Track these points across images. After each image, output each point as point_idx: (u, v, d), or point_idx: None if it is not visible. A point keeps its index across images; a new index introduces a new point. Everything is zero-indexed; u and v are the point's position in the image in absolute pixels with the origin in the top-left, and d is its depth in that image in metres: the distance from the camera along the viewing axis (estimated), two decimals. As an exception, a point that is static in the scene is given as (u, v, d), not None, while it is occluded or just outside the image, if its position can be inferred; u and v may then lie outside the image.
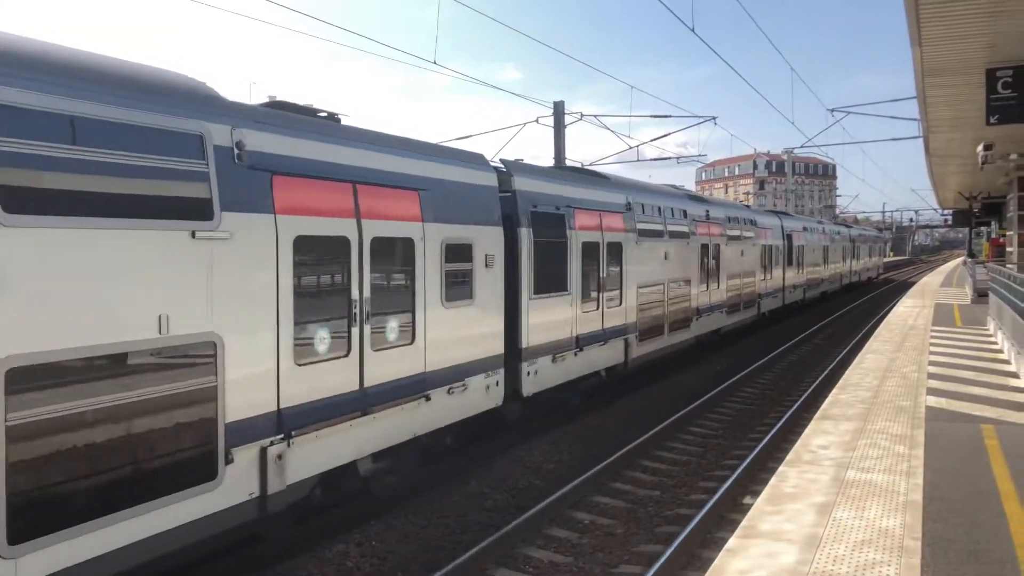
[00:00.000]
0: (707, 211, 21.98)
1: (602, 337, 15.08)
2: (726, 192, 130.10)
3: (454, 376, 10.42)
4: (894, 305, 29.43)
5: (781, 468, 7.86)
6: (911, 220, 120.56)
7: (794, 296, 33.71)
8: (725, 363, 21.38)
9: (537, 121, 29.75)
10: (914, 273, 75.93)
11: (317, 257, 8.20)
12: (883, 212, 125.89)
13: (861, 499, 6.81)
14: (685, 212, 20.15)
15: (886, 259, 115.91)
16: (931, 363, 13.94)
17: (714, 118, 30.20)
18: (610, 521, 9.83)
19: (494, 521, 9.65)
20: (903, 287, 49.93)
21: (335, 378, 8.30)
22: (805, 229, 35.96)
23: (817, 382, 17.77)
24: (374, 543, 8.95)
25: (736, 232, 24.51)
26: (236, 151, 7.27)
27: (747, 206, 31.06)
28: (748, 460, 11.65)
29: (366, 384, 8.78)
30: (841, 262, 45.32)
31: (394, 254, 9.42)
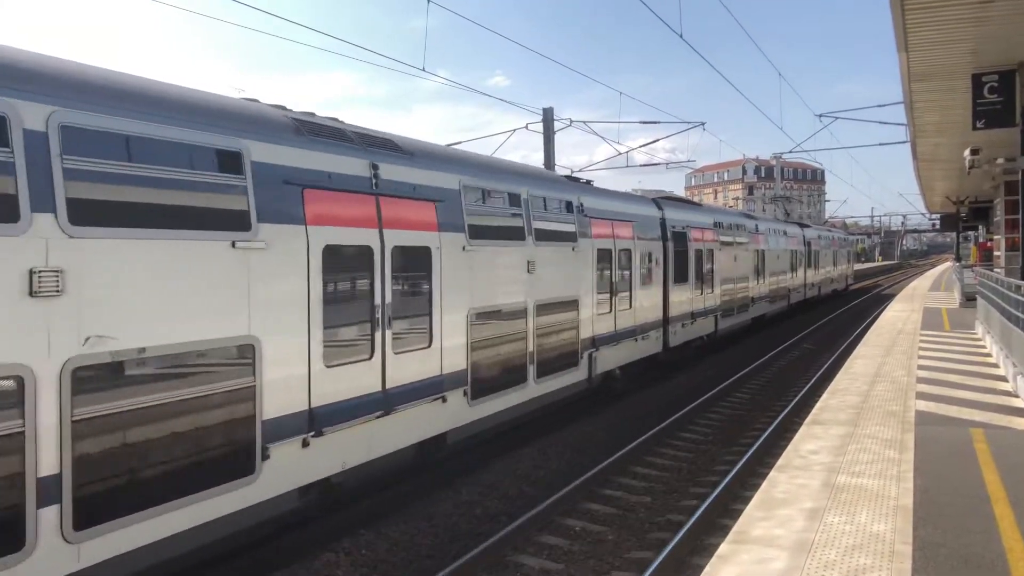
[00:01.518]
0: (395, 171, 9.94)
1: None
2: (715, 198, 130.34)
3: None
4: (883, 310, 29.55)
5: (772, 474, 7.85)
6: (902, 224, 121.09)
7: (696, 330, 21.83)
8: (714, 369, 21.40)
9: (527, 127, 29.79)
10: (903, 278, 76.35)
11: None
12: (872, 216, 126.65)
13: (851, 504, 6.80)
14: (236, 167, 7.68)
15: (875, 263, 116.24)
16: (920, 367, 13.97)
17: (703, 123, 30.43)
18: (601, 528, 9.80)
19: (484, 529, 9.60)
20: (883, 299, 49.85)
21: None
22: (717, 226, 24.47)
23: (807, 387, 17.80)
24: (363, 552, 8.88)
25: (511, 222, 12.70)
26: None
27: (575, 179, 17.07)
28: (739, 466, 11.64)
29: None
30: (789, 273, 34.54)
31: None
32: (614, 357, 16.32)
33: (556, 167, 27.60)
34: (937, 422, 9.78)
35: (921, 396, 11.39)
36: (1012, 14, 10.41)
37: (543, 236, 13.41)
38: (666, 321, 19.57)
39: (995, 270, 21.32)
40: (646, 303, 18.24)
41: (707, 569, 5.57)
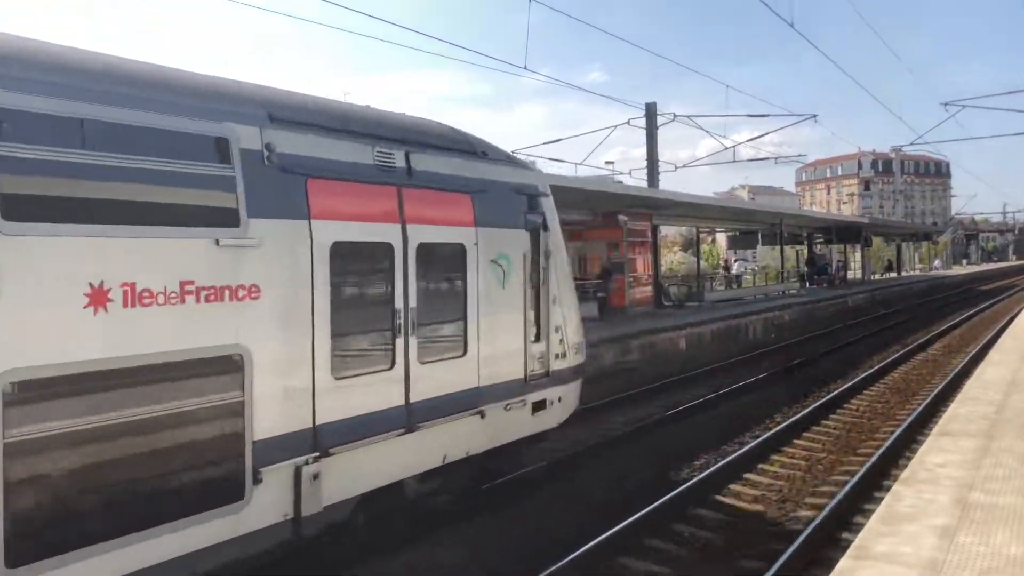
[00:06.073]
0: None
1: None
2: (828, 194, 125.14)
3: None
4: (1020, 312, 27.62)
5: (895, 487, 7.45)
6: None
7: None
8: (833, 367, 20.59)
9: (628, 123, 29.42)
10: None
11: None
12: (1004, 213, 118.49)
13: (986, 523, 6.37)
14: None
15: (1008, 262, 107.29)
16: (1061, 375, 12.97)
17: (814, 116, 29.22)
18: (710, 535, 9.57)
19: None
20: (1020, 300, 46.15)
21: None
22: None
23: (932, 396, 16.82)
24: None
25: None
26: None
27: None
28: (857, 476, 11.13)
29: None
30: None
31: None
32: None
33: (660, 163, 27.20)
34: (1082, 436, 9.04)
35: (1063, 407, 10.56)
36: None
37: None
38: None
39: None
40: None
41: (827, 586, 5.34)
